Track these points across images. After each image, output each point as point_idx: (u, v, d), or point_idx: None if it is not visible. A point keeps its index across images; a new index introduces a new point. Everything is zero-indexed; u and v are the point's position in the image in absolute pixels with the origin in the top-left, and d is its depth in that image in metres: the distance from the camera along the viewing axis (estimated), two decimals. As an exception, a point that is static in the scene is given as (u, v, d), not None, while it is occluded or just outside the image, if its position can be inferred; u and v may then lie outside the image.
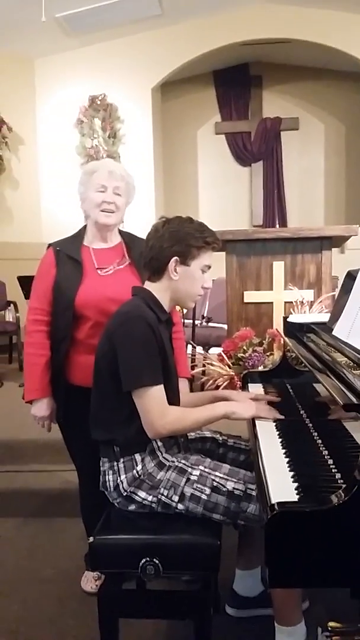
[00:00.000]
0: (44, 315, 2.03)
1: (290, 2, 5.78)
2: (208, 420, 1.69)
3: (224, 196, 6.99)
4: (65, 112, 6.39)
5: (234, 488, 1.59)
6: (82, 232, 2.15)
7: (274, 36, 6.03)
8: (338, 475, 1.29)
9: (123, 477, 1.65)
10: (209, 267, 1.75)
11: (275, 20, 5.94)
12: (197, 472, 1.63)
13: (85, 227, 2.16)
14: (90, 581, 2.20)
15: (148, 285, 1.75)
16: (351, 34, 5.89)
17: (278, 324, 3.24)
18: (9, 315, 5.72)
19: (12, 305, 5.62)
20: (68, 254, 2.04)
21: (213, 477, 1.61)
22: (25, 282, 4.73)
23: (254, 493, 1.56)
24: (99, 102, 6.31)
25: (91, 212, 2.05)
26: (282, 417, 1.72)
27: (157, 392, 1.59)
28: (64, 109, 6.39)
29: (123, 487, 1.65)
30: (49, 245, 2.13)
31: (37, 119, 6.51)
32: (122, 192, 2.04)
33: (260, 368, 3.06)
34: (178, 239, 1.68)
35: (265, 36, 6.05)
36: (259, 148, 7.16)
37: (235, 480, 1.61)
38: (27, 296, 4.89)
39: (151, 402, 1.58)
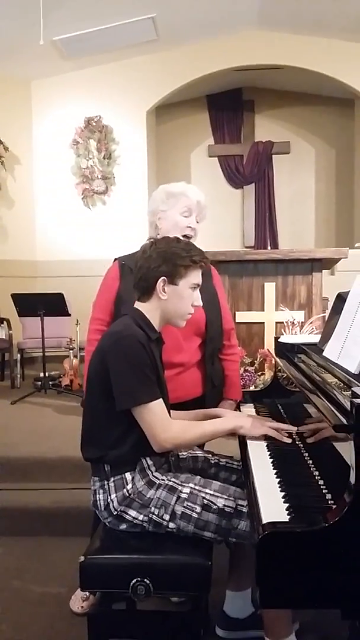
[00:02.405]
0: (104, 326, 2.08)
1: (282, 29, 5.92)
2: (214, 433, 1.70)
3: (216, 217, 7.05)
4: (61, 133, 6.47)
5: (224, 505, 1.60)
6: None
7: (267, 62, 6.16)
8: (329, 496, 1.30)
9: (113, 496, 1.65)
10: (198, 285, 1.77)
11: (268, 47, 6.07)
12: (187, 490, 1.64)
13: None
14: (78, 601, 2.19)
15: (138, 305, 1.76)
16: (341, 61, 6.03)
17: (269, 344, 3.27)
18: (2, 333, 5.70)
19: (4, 322, 5.61)
20: (131, 267, 2.05)
21: (203, 495, 1.62)
22: (19, 300, 4.76)
23: (244, 509, 1.57)
24: (94, 124, 6.40)
25: (170, 232, 2.05)
26: (289, 440, 1.71)
27: (157, 407, 1.61)
28: (60, 130, 6.47)
29: (113, 506, 1.65)
30: (115, 259, 2.18)
31: (33, 139, 6.58)
32: (200, 220, 2.13)
33: (252, 388, 3.09)
34: (165, 258, 1.70)
35: (257, 62, 6.17)
36: (251, 171, 7.26)
37: (225, 497, 1.62)
38: (20, 314, 4.93)
39: (152, 417, 1.59)
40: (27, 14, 4.79)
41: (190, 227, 2.08)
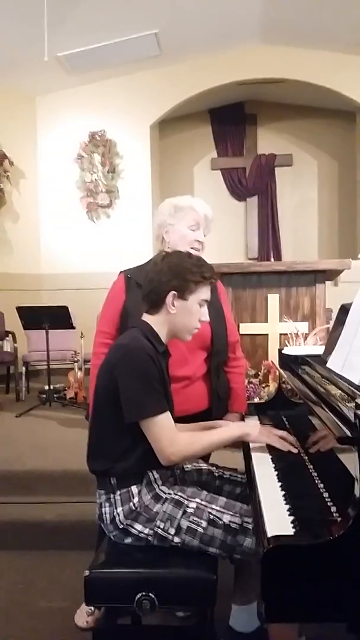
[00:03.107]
0: (110, 339, 2.07)
1: (284, 43, 5.98)
2: (221, 442, 1.70)
3: (219, 230, 7.04)
4: (65, 148, 6.53)
5: (230, 521, 1.59)
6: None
7: (269, 76, 6.22)
8: (334, 509, 1.30)
9: (119, 509, 1.65)
10: (206, 301, 1.78)
11: (270, 61, 6.13)
12: (193, 505, 1.63)
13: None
14: (83, 616, 2.17)
15: (146, 317, 1.77)
16: (342, 74, 6.09)
17: (273, 356, 3.27)
18: (7, 346, 5.73)
19: (10, 335, 5.64)
20: (138, 281, 2.06)
21: (209, 510, 1.62)
22: (24, 313, 4.78)
23: (250, 527, 1.56)
24: (98, 138, 6.46)
25: (178, 245, 2.06)
26: (295, 449, 1.71)
27: (164, 420, 1.61)
28: (65, 144, 6.54)
29: (119, 520, 1.65)
30: (121, 272, 2.18)
31: (38, 153, 6.65)
32: (207, 234, 2.14)
33: (256, 400, 3.08)
34: (176, 273, 1.71)
35: (260, 76, 6.23)
36: (253, 183, 7.30)
37: (231, 513, 1.61)
38: (25, 327, 4.94)
39: (159, 430, 1.60)
40: (32, 30, 4.86)
41: (198, 240, 2.09)
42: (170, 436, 1.61)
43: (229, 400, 2.17)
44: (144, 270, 2.06)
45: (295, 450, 1.70)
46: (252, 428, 1.75)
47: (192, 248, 2.05)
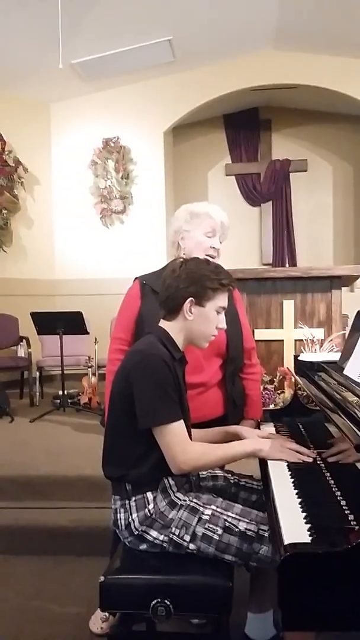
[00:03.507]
0: (125, 345, 2.08)
1: (298, 49, 5.98)
2: (234, 457, 1.69)
3: (234, 235, 7.00)
4: (79, 154, 6.57)
5: (246, 529, 1.58)
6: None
7: (283, 82, 6.21)
8: (351, 517, 1.28)
9: (135, 515, 1.65)
10: (224, 308, 1.78)
11: (284, 66, 6.13)
12: (209, 512, 1.62)
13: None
14: (98, 622, 2.17)
15: (163, 324, 1.77)
16: (357, 79, 6.06)
17: (289, 362, 3.25)
18: (21, 351, 5.76)
19: (24, 340, 5.67)
20: (153, 287, 2.07)
21: (225, 517, 1.61)
22: (38, 318, 4.81)
23: (266, 534, 1.55)
24: (112, 145, 6.50)
25: (193, 252, 2.06)
26: (309, 459, 1.69)
27: (178, 429, 1.60)
28: (79, 150, 6.58)
29: (135, 526, 1.65)
30: (136, 278, 2.18)
31: (52, 160, 6.70)
32: (223, 240, 2.14)
33: (272, 406, 3.07)
34: (194, 280, 1.71)
35: (274, 82, 6.22)
36: (268, 189, 7.29)
37: (247, 520, 1.60)
38: (39, 332, 4.97)
39: (172, 438, 1.59)
40: (47, 38, 4.91)
41: (213, 247, 2.08)
42: (182, 445, 1.60)
43: (245, 406, 2.16)
44: (160, 277, 2.06)
45: (310, 460, 1.69)
46: (264, 443, 1.74)
47: (207, 255, 2.05)
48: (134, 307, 2.10)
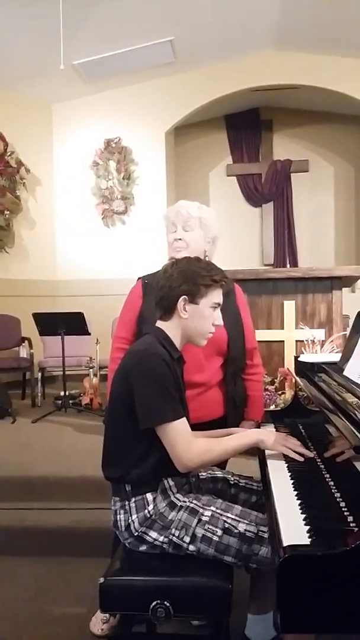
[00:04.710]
0: (127, 344, 2.09)
1: (299, 49, 5.97)
2: (238, 448, 1.69)
3: (235, 236, 7.08)
4: (81, 155, 6.58)
5: (245, 530, 1.58)
6: None
7: (284, 82, 6.21)
8: (350, 518, 1.28)
9: (134, 516, 1.65)
10: (219, 304, 1.78)
11: (285, 67, 6.13)
12: (208, 513, 1.62)
13: None
14: (98, 623, 2.17)
15: (160, 324, 1.78)
16: (358, 80, 6.06)
17: (289, 363, 3.25)
18: (23, 352, 5.77)
19: (26, 341, 5.68)
20: (154, 286, 2.09)
21: (225, 519, 1.61)
22: (40, 319, 4.81)
23: (265, 535, 1.55)
24: (114, 145, 6.50)
25: (170, 251, 2.12)
26: (311, 454, 1.69)
27: (180, 426, 1.60)
28: (80, 151, 6.59)
29: (134, 527, 1.65)
30: (139, 278, 2.20)
31: (54, 161, 6.71)
32: (192, 228, 2.09)
33: (272, 407, 3.07)
34: (186, 278, 1.72)
35: (275, 82, 6.23)
36: (269, 189, 7.29)
37: (247, 522, 1.60)
38: (41, 333, 4.98)
39: (176, 436, 1.59)
40: (48, 39, 4.91)
41: (176, 239, 2.08)
42: (187, 442, 1.60)
43: (245, 407, 2.16)
44: None
45: (310, 455, 1.69)
46: (268, 435, 1.74)
47: (175, 249, 2.07)
48: (136, 307, 2.12)
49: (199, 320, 1.74)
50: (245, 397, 2.16)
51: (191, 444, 1.61)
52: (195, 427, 1.83)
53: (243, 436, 1.74)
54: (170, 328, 1.75)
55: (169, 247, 2.13)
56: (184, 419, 1.62)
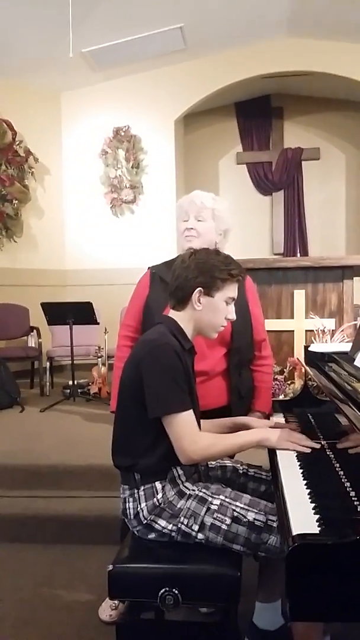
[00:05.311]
0: (132, 332, 2.15)
1: (310, 35, 5.89)
2: (242, 446, 1.69)
3: (245, 225, 7.05)
4: (90, 143, 6.56)
5: (254, 519, 1.58)
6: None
7: (295, 69, 6.14)
8: (360, 508, 1.28)
9: (143, 504, 1.65)
10: (233, 299, 1.77)
11: (296, 53, 6.05)
12: (217, 502, 1.62)
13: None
14: (107, 610, 2.18)
15: (173, 314, 1.77)
16: (371, 66, 5.98)
17: (299, 353, 3.23)
18: (32, 341, 5.79)
19: (34, 330, 5.69)
20: (161, 276, 2.12)
21: (234, 507, 1.61)
22: (48, 309, 4.82)
23: (274, 524, 1.55)
24: (122, 134, 6.47)
25: (180, 240, 2.14)
26: (317, 446, 1.69)
27: (187, 418, 1.60)
28: (89, 140, 6.56)
29: (143, 515, 1.65)
30: (148, 267, 2.22)
31: (62, 150, 6.69)
32: (205, 219, 2.09)
33: (281, 397, 3.05)
34: (203, 270, 1.71)
35: (286, 69, 6.15)
36: (280, 178, 7.23)
37: (256, 511, 1.60)
38: (49, 322, 4.99)
39: (182, 428, 1.59)
40: (57, 27, 4.88)
41: (187, 228, 2.08)
42: (192, 435, 1.60)
43: (253, 399, 2.15)
44: (170, 267, 2.08)
45: (317, 446, 1.68)
46: (272, 433, 1.73)
47: (186, 238, 2.08)
48: (142, 296, 2.14)
49: (212, 313, 1.74)
50: (251, 388, 2.15)
51: (196, 438, 1.61)
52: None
53: (247, 434, 1.73)
54: (183, 319, 1.74)
55: (180, 235, 2.13)
56: (191, 411, 1.62)
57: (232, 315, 1.78)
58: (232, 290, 1.75)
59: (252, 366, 2.17)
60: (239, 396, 2.09)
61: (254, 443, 1.70)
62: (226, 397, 2.07)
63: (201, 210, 2.09)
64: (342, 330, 3.19)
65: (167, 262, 2.20)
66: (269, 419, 2.14)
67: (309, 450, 1.67)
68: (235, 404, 2.08)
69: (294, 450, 1.68)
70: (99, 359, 5.08)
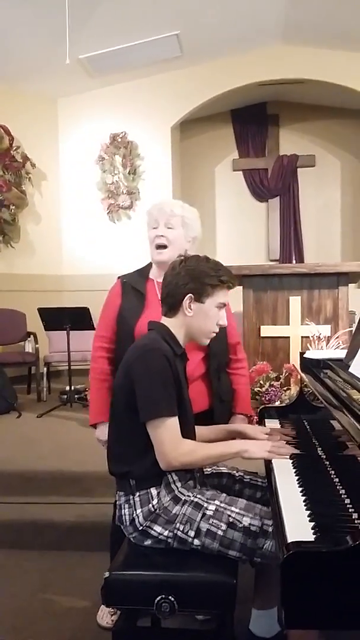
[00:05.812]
0: (107, 343, 2.14)
1: (306, 43, 5.93)
2: (221, 456, 1.70)
3: (241, 231, 7.06)
4: (86, 149, 6.57)
5: (250, 524, 1.59)
6: (149, 266, 2.25)
7: (291, 77, 6.17)
8: (355, 515, 1.28)
9: (139, 511, 1.66)
10: (224, 304, 1.78)
11: (292, 61, 6.08)
12: (212, 507, 1.63)
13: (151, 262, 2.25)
14: (106, 616, 2.18)
15: (164, 320, 1.79)
16: (366, 74, 6.02)
17: (295, 359, 3.25)
18: (29, 346, 5.78)
19: (31, 336, 5.68)
20: (133, 285, 2.14)
21: (229, 513, 1.62)
22: (45, 314, 4.82)
23: (270, 529, 1.56)
24: (119, 140, 6.49)
25: (150, 249, 2.15)
26: (297, 450, 1.71)
27: (172, 424, 1.61)
28: (86, 146, 6.57)
29: (139, 521, 1.66)
30: (118, 277, 2.23)
31: (59, 155, 6.70)
32: (174, 226, 2.11)
33: (277, 403, 3.07)
34: (193, 276, 1.73)
35: (281, 77, 6.18)
36: (275, 184, 7.26)
37: (251, 515, 1.61)
38: (46, 328, 4.98)
39: (166, 433, 1.60)
40: (54, 33, 4.90)
41: (157, 236, 2.10)
42: (174, 441, 1.61)
43: (233, 402, 2.17)
44: (140, 275, 2.16)
45: (296, 451, 1.71)
46: (251, 445, 1.75)
47: (156, 247, 2.10)
48: (115, 306, 2.15)
49: (203, 319, 1.75)
50: (231, 391, 2.17)
51: (179, 444, 1.62)
52: None
53: (227, 445, 1.75)
54: (175, 325, 1.76)
55: (150, 243, 2.15)
56: (176, 418, 1.63)
57: (224, 321, 1.80)
58: (222, 296, 1.77)
59: (228, 369, 2.19)
60: (220, 400, 2.10)
61: (234, 454, 1.71)
62: (207, 401, 2.08)
63: (170, 218, 2.10)
64: (338, 337, 3.21)
65: (138, 271, 2.24)
66: (250, 422, 2.15)
67: (287, 457, 1.69)
68: (217, 408, 2.09)
69: (275, 457, 1.70)
70: (96, 365, 5.06)
